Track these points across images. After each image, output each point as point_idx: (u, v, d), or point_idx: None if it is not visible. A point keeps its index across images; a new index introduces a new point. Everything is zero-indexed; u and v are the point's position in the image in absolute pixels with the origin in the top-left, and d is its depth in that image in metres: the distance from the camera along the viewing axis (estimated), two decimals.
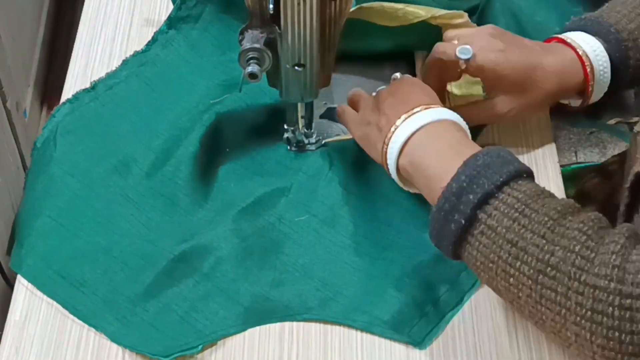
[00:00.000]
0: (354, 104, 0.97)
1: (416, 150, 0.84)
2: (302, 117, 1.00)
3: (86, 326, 0.89)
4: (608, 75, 0.96)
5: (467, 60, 0.95)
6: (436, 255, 0.90)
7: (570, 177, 1.03)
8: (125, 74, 1.07)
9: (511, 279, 0.75)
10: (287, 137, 1.02)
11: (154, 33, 1.10)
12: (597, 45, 0.96)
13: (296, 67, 0.93)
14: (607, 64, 0.96)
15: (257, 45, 0.90)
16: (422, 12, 1.01)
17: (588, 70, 0.95)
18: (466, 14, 1.03)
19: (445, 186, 0.78)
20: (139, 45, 1.10)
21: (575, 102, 1.01)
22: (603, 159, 1.03)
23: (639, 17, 0.97)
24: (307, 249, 0.93)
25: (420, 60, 1.07)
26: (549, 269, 0.73)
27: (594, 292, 0.71)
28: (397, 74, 0.95)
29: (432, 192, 0.81)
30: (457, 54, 0.95)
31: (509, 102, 0.96)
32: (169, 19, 1.10)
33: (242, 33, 0.91)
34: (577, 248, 0.72)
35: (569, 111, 1.02)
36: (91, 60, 1.10)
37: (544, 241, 0.73)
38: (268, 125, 1.02)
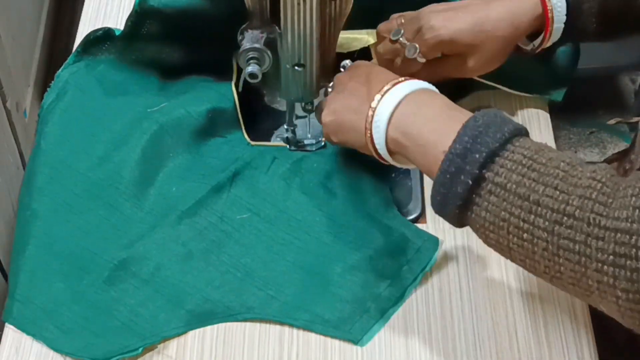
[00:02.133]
0: None
1: (405, 119, 0.83)
2: (298, 117, 1.00)
3: None
4: (564, 11, 0.95)
5: (397, 41, 0.96)
6: (378, 250, 0.91)
7: None
8: (61, 85, 1.05)
9: (525, 234, 0.73)
10: (287, 137, 1.02)
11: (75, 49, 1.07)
12: None
13: (296, 67, 0.93)
14: (563, 2, 0.95)
15: (257, 45, 0.90)
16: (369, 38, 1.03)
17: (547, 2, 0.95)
18: None
19: (447, 149, 0.76)
20: None
21: (527, 45, 1.00)
22: (603, 159, 1.03)
23: None
24: (249, 248, 0.92)
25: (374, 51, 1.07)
26: (566, 218, 0.71)
27: (616, 236, 0.68)
28: (347, 61, 0.95)
29: (430, 159, 0.79)
30: (390, 36, 0.97)
31: (469, 59, 0.96)
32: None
33: (242, 33, 0.91)
34: (593, 195, 0.70)
35: (531, 54, 1.00)
36: None
37: (558, 192, 0.71)
38: (210, 128, 1.01)
